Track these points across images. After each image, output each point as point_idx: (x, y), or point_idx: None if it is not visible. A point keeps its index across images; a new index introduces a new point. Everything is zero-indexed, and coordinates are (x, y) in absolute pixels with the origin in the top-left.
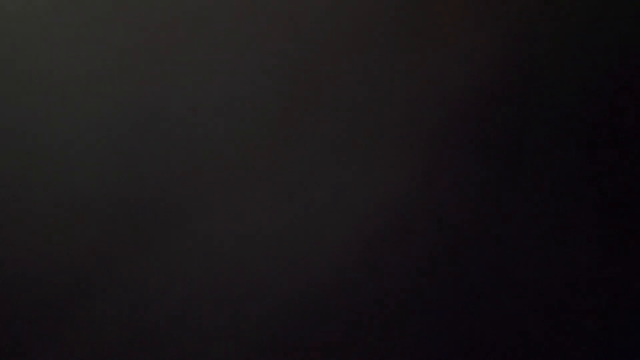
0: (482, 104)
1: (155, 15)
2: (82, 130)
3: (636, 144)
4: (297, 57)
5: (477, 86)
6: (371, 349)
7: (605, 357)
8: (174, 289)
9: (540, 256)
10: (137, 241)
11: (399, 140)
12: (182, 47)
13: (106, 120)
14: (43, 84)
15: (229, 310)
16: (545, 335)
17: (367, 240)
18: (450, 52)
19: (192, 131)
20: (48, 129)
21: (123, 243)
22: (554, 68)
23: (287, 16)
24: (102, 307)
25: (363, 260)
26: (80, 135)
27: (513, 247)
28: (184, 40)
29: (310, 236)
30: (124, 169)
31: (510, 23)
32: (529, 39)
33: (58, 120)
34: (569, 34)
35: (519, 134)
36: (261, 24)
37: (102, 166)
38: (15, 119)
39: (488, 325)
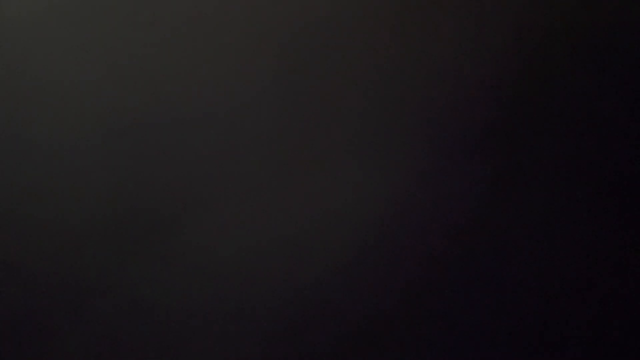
0: (482, 104)
1: (154, 21)
2: (75, 138)
3: (637, 144)
4: (294, 59)
5: (478, 85)
6: (371, 350)
7: (606, 357)
8: (172, 292)
9: (540, 256)
10: (136, 245)
11: (399, 140)
12: (179, 57)
13: (101, 129)
14: (37, 92)
15: (226, 314)
16: (545, 336)
17: (366, 242)
18: (451, 52)
19: (186, 138)
20: (42, 136)
21: (121, 247)
22: (555, 67)
23: (287, 17)
24: (99, 310)
25: (363, 263)
26: (73, 142)
27: (514, 246)
28: (182, 50)
29: (308, 240)
30: (121, 176)
31: (511, 22)
32: (530, 38)
33: (54, 127)
34: (571, 34)
35: (519, 133)
36: (259, 25)
37: (99, 174)
38: (15, 123)
39: (488, 324)
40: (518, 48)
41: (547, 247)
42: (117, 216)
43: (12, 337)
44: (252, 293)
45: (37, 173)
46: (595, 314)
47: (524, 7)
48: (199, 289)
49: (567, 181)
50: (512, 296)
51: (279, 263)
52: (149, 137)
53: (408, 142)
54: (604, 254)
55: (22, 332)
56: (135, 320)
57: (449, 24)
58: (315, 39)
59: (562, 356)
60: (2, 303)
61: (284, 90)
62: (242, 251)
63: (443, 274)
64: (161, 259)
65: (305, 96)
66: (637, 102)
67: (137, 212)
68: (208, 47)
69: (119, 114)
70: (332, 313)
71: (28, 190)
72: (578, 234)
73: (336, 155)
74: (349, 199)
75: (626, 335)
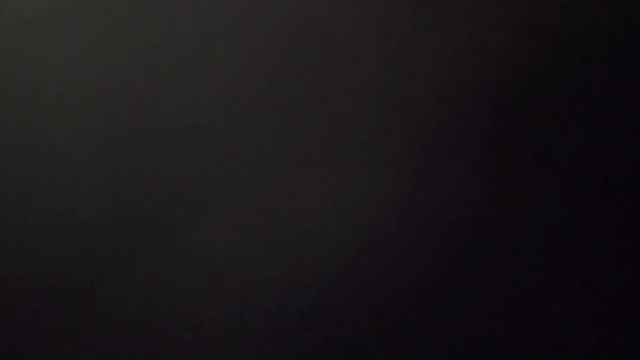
0: (482, 104)
1: (154, 22)
2: (74, 138)
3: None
4: (294, 59)
5: (478, 85)
6: (371, 349)
7: (606, 357)
8: (171, 293)
9: (540, 255)
10: (135, 245)
11: (399, 140)
12: (179, 58)
13: (100, 129)
14: (37, 93)
15: (226, 314)
16: (545, 336)
17: (366, 242)
18: (451, 53)
19: (185, 139)
20: (42, 137)
21: (121, 247)
22: (555, 67)
23: (287, 16)
24: (99, 310)
25: (363, 262)
26: (73, 143)
27: (514, 246)
28: (181, 50)
29: (308, 240)
30: (121, 176)
31: (511, 22)
32: (530, 38)
33: (53, 127)
34: (571, 34)
35: (519, 133)
36: (259, 25)
37: (99, 174)
38: (14, 124)
39: (488, 324)
40: (518, 48)
41: (547, 247)
42: (117, 217)
43: (12, 337)
44: (252, 293)
45: (36, 173)
46: (595, 313)
47: (524, 7)
48: (198, 289)
49: (567, 181)
50: (512, 296)
51: (279, 263)
52: (149, 137)
53: (408, 142)
54: (604, 253)
55: (22, 332)
56: (135, 320)
57: (449, 24)
58: (316, 38)
59: (563, 356)
60: (2, 303)
61: (284, 91)
62: (242, 251)
63: (443, 274)
64: (161, 259)
65: (304, 96)
66: (638, 102)
67: (137, 213)
68: (207, 48)
69: (119, 114)
70: (332, 313)
71: (27, 190)
72: (578, 233)
73: (336, 155)
74: (348, 199)
75: (626, 335)
